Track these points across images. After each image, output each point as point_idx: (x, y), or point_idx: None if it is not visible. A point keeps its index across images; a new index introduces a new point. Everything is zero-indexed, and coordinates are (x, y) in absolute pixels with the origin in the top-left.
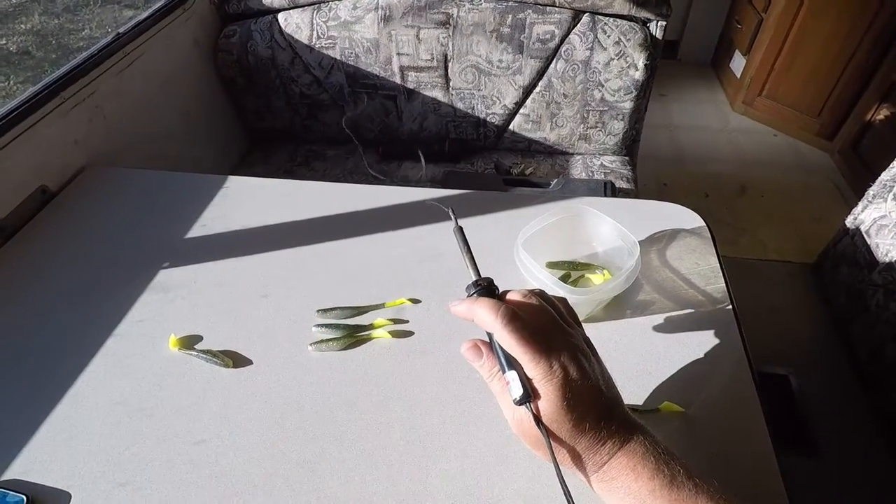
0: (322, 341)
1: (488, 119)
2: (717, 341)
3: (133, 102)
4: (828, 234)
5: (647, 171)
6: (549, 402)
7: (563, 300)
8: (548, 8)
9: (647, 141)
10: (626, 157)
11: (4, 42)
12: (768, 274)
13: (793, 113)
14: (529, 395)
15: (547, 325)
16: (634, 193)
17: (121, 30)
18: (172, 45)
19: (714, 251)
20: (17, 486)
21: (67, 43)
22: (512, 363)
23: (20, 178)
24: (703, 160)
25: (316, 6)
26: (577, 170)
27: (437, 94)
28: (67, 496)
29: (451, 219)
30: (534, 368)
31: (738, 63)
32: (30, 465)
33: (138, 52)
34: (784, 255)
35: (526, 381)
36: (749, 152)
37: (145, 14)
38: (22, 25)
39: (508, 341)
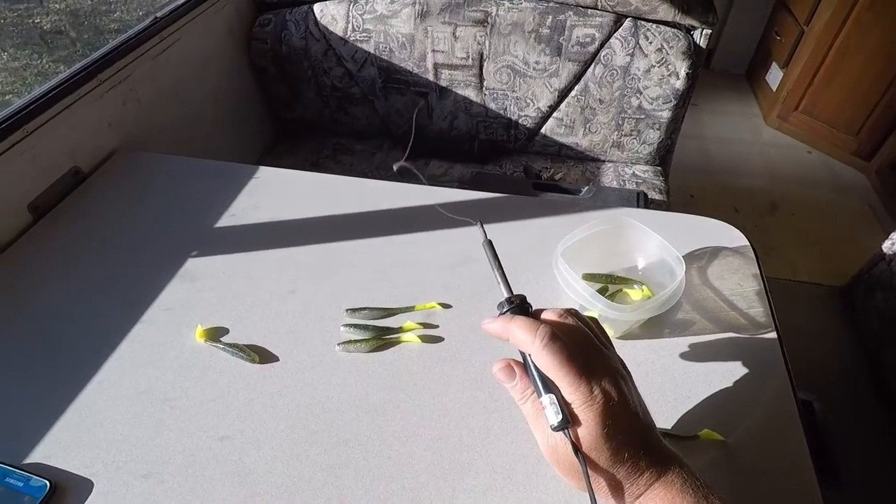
0: (350, 342)
1: (520, 121)
2: (759, 369)
3: (165, 87)
4: (860, 258)
5: (675, 181)
6: (588, 428)
7: (595, 320)
8: (589, 11)
9: (676, 151)
10: (659, 168)
11: (39, 20)
12: (796, 295)
13: (829, 130)
14: (568, 420)
15: (586, 347)
16: (666, 205)
17: (158, 14)
18: (207, 32)
19: (758, 272)
20: (40, 470)
21: (99, 24)
22: (548, 386)
23: (54, 158)
24: (732, 173)
25: None
26: (608, 178)
27: (470, 94)
28: (90, 484)
29: (480, 230)
30: (573, 393)
31: (774, 75)
32: (53, 450)
33: (174, 38)
34: (813, 277)
35: (564, 406)
36: (781, 168)
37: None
38: (56, 5)
39: (547, 363)
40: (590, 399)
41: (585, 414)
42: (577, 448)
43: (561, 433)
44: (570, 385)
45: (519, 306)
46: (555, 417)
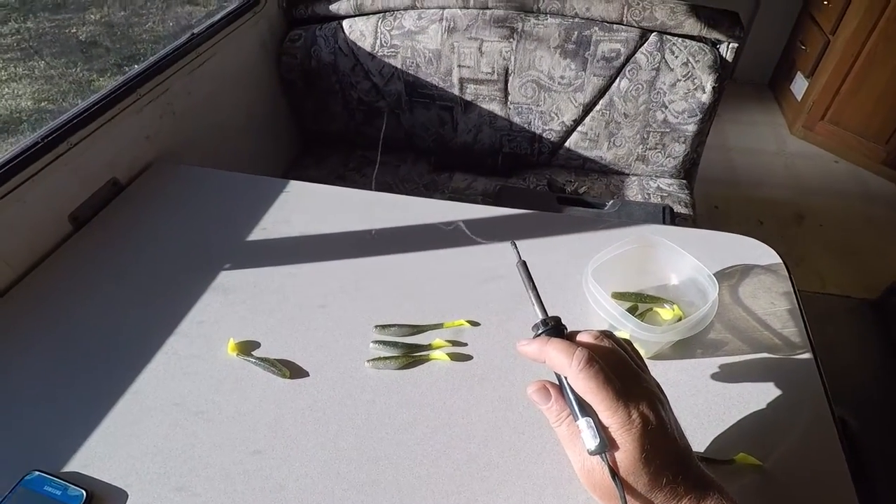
0: (379, 359)
1: (544, 135)
2: (795, 390)
3: (200, 100)
4: (892, 269)
5: (699, 192)
6: (626, 453)
7: (629, 342)
8: (615, 26)
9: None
10: (684, 181)
11: (76, 31)
12: (826, 308)
13: (857, 139)
14: (606, 444)
15: (622, 371)
16: (692, 219)
17: (195, 30)
18: (241, 47)
19: (792, 291)
20: (77, 479)
21: (133, 34)
22: (585, 409)
23: (95, 169)
24: (757, 184)
25: (381, 15)
26: (633, 191)
27: (495, 108)
28: (125, 495)
29: (513, 249)
30: (611, 416)
31: (799, 85)
32: (90, 459)
33: (210, 53)
34: (843, 290)
35: (601, 430)
36: (807, 178)
37: (218, 16)
38: (92, 16)
39: (584, 387)
40: (628, 423)
41: (623, 438)
42: (614, 473)
43: (598, 457)
44: (608, 409)
45: (554, 328)
46: (592, 441)
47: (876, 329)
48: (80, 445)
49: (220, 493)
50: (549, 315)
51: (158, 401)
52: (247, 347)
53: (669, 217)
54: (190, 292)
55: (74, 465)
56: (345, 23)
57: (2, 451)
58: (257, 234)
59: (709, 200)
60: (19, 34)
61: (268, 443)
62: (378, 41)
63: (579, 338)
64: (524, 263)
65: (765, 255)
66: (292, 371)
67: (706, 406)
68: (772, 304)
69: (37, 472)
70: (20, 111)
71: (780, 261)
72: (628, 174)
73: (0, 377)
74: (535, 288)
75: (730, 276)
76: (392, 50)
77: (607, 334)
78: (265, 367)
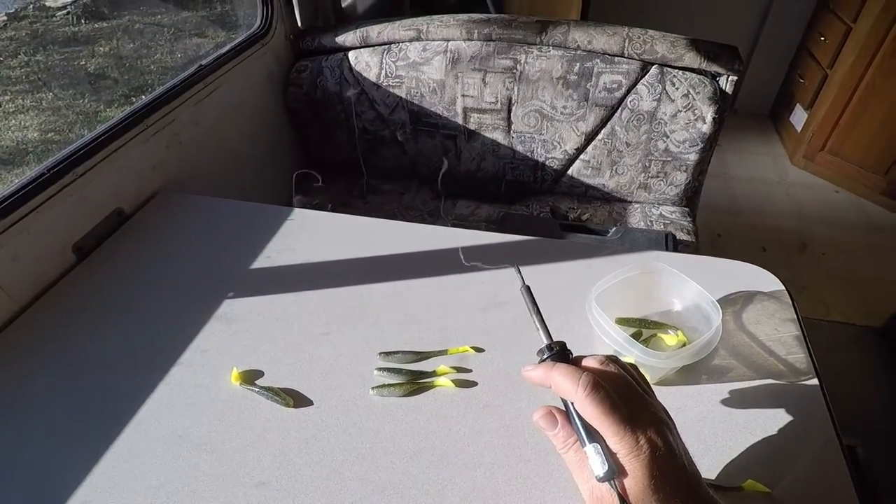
0: (384, 386)
1: (547, 163)
2: (802, 416)
3: (206, 130)
4: (895, 297)
5: (701, 220)
6: (635, 479)
7: (635, 367)
8: (616, 59)
9: (702, 190)
10: (687, 209)
11: (84, 62)
12: (830, 336)
13: (857, 170)
14: (615, 471)
15: (629, 396)
16: (695, 246)
17: (203, 62)
18: (248, 78)
19: (795, 317)
20: None
21: (140, 66)
22: (592, 435)
23: (100, 199)
24: (759, 213)
25: (387, 47)
26: (636, 218)
27: (498, 136)
28: None
29: (517, 275)
30: (619, 442)
31: (798, 117)
32: (92, 495)
33: (217, 84)
34: (847, 317)
35: (609, 456)
36: (809, 207)
37: (227, 47)
38: (101, 48)
39: (591, 412)
40: (636, 449)
41: (632, 464)
42: (623, 499)
43: (607, 484)
44: (616, 434)
45: (559, 353)
46: (601, 468)
47: (881, 356)
48: (81, 481)
49: None
50: (554, 340)
51: (161, 433)
52: (250, 376)
53: (672, 244)
54: (193, 321)
55: (76, 501)
56: (350, 54)
57: (3, 489)
58: (261, 262)
59: (712, 228)
60: (28, 66)
61: (272, 474)
62: (383, 72)
63: (585, 363)
64: (528, 288)
65: (768, 281)
66: (296, 400)
67: (713, 432)
68: (776, 329)
69: None
70: (26, 142)
71: (783, 287)
72: (631, 202)
73: (0, 410)
74: (539, 313)
75: (733, 303)
76: (397, 80)
77: (613, 359)
78: (269, 396)
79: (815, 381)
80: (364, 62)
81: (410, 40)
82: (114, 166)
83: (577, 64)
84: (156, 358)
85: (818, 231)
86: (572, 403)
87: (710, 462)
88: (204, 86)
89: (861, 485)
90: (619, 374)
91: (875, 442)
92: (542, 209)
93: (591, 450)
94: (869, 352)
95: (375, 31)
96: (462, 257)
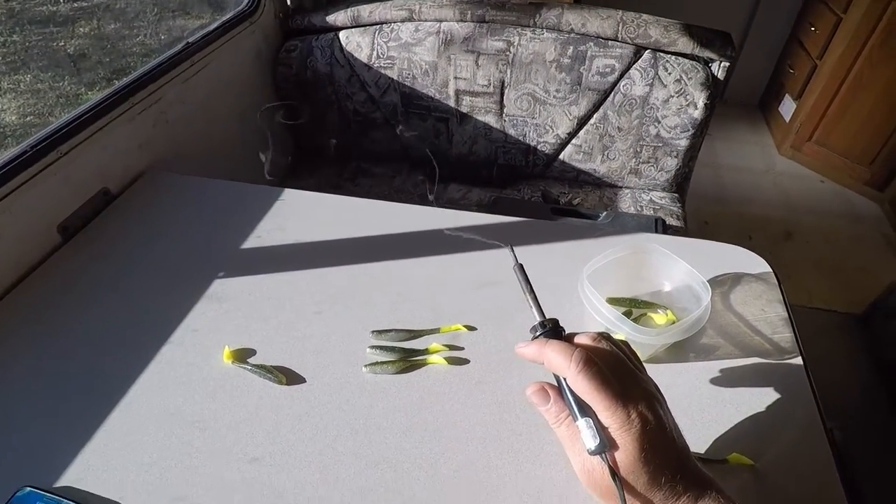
0: (377, 363)
1: (539, 147)
2: (786, 394)
3: (193, 109)
4: (876, 286)
5: (689, 208)
6: (626, 453)
7: (627, 343)
8: (610, 42)
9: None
10: (676, 195)
11: (64, 44)
12: (813, 322)
13: (843, 161)
14: (606, 445)
15: (621, 371)
16: (684, 231)
17: (189, 39)
18: (236, 56)
19: (782, 299)
20: (71, 493)
21: (123, 48)
22: (584, 410)
23: (85, 179)
24: (746, 201)
25: (378, 27)
26: (626, 204)
27: (490, 120)
28: None
29: (510, 253)
30: (610, 417)
31: (787, 107)
32: (84, 472)
33: (205, 62)
34: (830, 305)
35: (601, 430)
36: (795, 197)
37: (214, 25)
38: (82, 29)
39: (583, 388)
40: (627, 423)
41: (623, 438)
42: (614, 472)
43: (598, 457)
44: (607, 409)
45: (552, 330)
46: (592, 441)
47: (860, 343)
48: (72, 459)
49: (218, 502)
50: (548, 318)
51: (153, 411)
52: (242, 355)
53: (662, 229)
54: (183, 301)
55: (67, 479)
56: (341, 34)
57: None
58: (252, 242)
59: (700, 216)
60: (5, 47)
61: (265, 450)
62: (375, 52)
63: (577, 339)
64: (521, 266)
65: (755, 264)
66: (289, 378)
67: (700, 408)
68: (762, 310)
69: (28, 488)
70: (4, 126)
71: (770, 270)
72: (621, 187)
73: None
74: (532, 291)
75: (721, 284)
76: (388, 61)
77: (605, 336)
78: (261, 374)
79: (799, 360)
80: (355, 42)
81: (402, 20)
82: (99, 144)
83: (571, 47)
84: (145, 337)
85: (803, 220)
86: (565, 379)
87: (696, 436)
88: (191, 64)
89: (839, 466)
90: (611, 351)
91: (853, 426)
92: (533, 193)
93: (583, 424)
94: (849, 338)
95: (367, 11)
96: (447, 231)
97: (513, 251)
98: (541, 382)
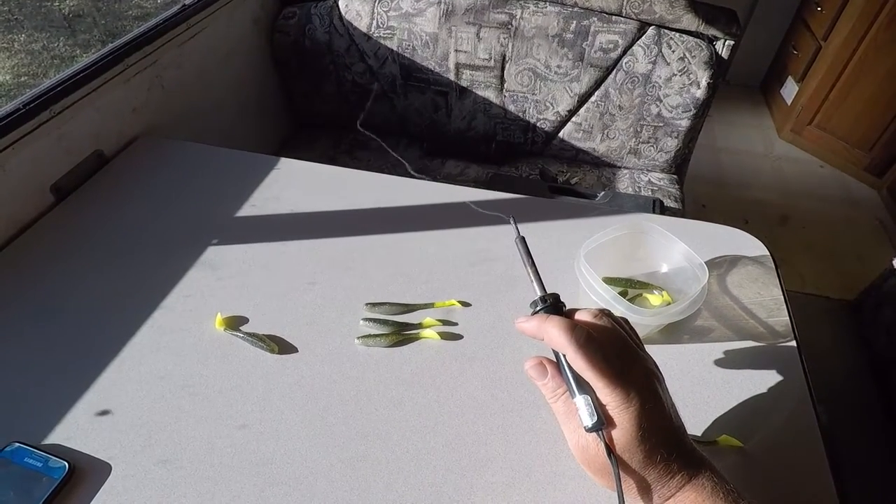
0: (369, 336)
1: (538, 124)
2: (779, 377)
3: (190, 75)
4: (870, 273)
5: (687, 191)
6: (623, 431)
7: (627, 321)
8: (614, 17)
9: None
10: (675, 176)
11: (59, 4)
12: (805, 308)
13: (843, 146)
14: (603, 422)
15: (621, 349)
16: (682, 213)
17: (186, 2)
18: (233, 22)
19: (778, 283)
20: (59, 451)
21: (118, 9)
22: (583, 386)
23: (79, 140)
24: (744, 185)
25: None
26: (624, 184)
27: (490, 95)
28: (108, 467)
29: (511, 226)
30: (609, 395)
31: (789, 90)
32: (73, 432)
33: (201, 26)
34: (822, 290)
35: (599, 408)
36: (793, 181)
37: None
38: None
39: (583, 365)
40: (626, 401)
41: (621, 416)
42: (610, 450)
43: (593, 434)
44: (607, 387)
45: (553, 305)
46: (589, 419)
47: (851, 329)
48: (62, 417)
49: (205, 466)
50: (549, 292)
51: (144, 374)
52: (235, 322)
53: (660, 210)
54: (176, 267)
55: (56, 437)
56: (341, 2)
57: None
58: (247, 210)
59: (697, 198)
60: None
61: (255, 417)
62: (374, 22)
63: (578, 316)
64: (523, 239)
65: (753, 247)
66: (281, 347)
67: (692, 389)
68: (758, 294)
69: (17, 444)
70: None
71: (768, 253)
72: (620, 167)
73: None
74: (533, 264)
75: (718, 266)
76: (388, 31)
77: (606, 312)
78: (253, 342)
79: (793, 343)
80: (354, 11)
81: None
82: (93, 106)
83: (574, 21)
84: (137, 300)
85: (800, 205)
86: (564, 355)
87: (687, 418)
88: (187, 27)
89: (828, 451)
90: (612, 328)
91: (841, 411)
92: (531, 171)
93: (581, 401)
94: (840, 324)
95: None
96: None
97: (515, 224)
98: (539, 357)
